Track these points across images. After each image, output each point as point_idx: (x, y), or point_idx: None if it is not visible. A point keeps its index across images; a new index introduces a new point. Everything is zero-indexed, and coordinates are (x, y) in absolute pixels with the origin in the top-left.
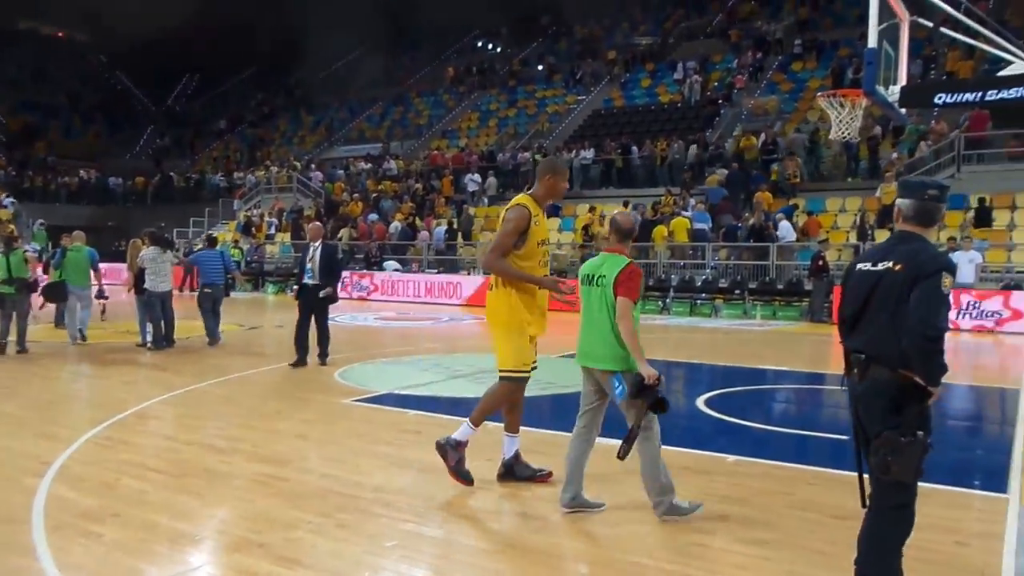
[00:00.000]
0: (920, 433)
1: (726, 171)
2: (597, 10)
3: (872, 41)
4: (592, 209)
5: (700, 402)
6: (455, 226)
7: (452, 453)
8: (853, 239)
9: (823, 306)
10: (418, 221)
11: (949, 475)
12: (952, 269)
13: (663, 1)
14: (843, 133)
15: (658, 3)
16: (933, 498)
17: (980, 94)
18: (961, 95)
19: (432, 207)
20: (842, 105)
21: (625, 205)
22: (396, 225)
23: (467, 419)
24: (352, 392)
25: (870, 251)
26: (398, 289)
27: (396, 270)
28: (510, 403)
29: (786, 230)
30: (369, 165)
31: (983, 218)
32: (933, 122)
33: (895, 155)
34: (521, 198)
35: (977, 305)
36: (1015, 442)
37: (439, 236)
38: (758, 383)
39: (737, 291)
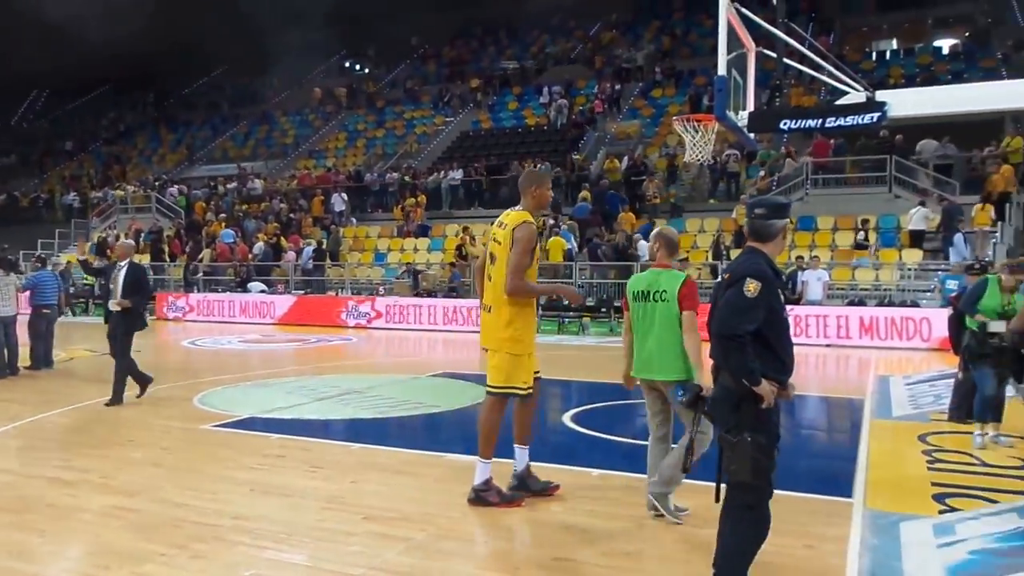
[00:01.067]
0: (748, 434)
1: (595, 188)
2: (464, 33)
3: (721, 69)
4: (465, 229)
5: (567, 418)
6: (324, 246)
7: (488, 494)
8: (711, 259)
9: None
10: (283, 242)
11: (800, 481)
12: (760, 276)
13: (529, 26)
14: (697, 156)
15: (524, 28)
16: (785, 504)
17: (821, 121)
18: (804, 121)
19: (299, 227)
20: (696, 129)
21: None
22: (260, 246)
23: (477, 458)
24: (212, 417)
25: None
26: (214, 309)
27: (262, 291)
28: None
29: (645, 249)
30: (234, 184)
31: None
32: (783, 148)
33: (762, 174)
34: (522, 214)
35: (822, 320)
36: (860, 449)
37: (306, 256)
38: (624, 398)
39: (603, 309)
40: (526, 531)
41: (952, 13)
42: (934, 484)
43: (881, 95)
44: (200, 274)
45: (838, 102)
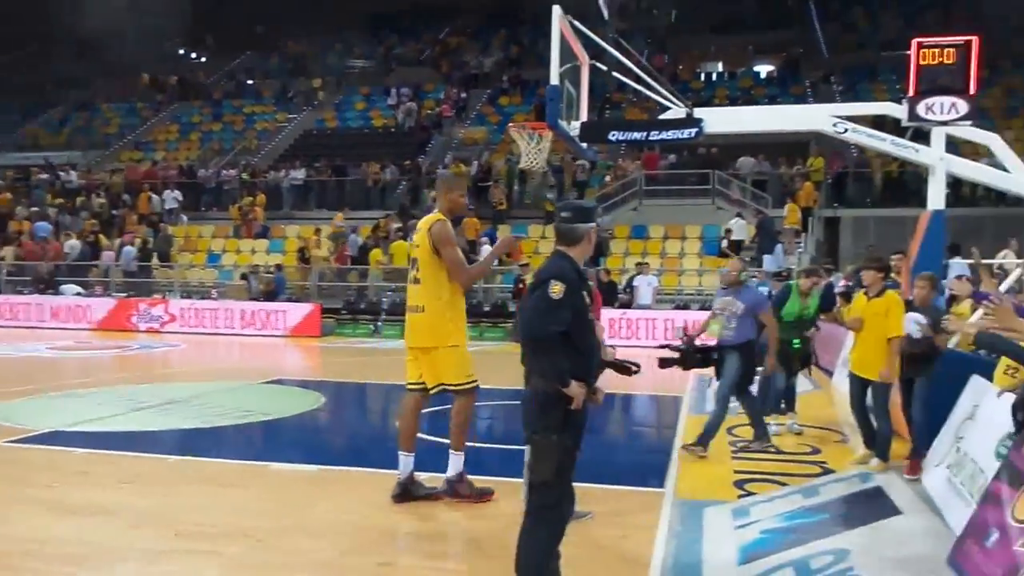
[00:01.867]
0: (555, 436)
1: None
2: (311, 28)
3: (554, 79)
4: (318, 231)
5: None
6: (150, 246)
7: (460, 487)
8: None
9: None
10: (103, 239)
11: (619, 475)
12: (564, 277)
13: (378, 26)
14: (532, 163)
15: (373, 28)
16: (603, 497)
17: (646, 133)
18: (631, 133)
19: (122, 225)
20: (531, 137)
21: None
22: (73, 243)
23: (450, 450)
24: (5, 433)
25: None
26: (19, 313)
27: (78, 294)
28: (410, 419)
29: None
30: (46, 176)
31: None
32: (620, 159)
33: (607, 178)
34: (435, 216)
35: (651, 323)
36: (675, 443)
37: (128, 256)
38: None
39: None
40: (352, 538)
41: (770, 41)
42: (736, 472)
43: (698, 112)
44: (3, 273)
45: (660, 117)
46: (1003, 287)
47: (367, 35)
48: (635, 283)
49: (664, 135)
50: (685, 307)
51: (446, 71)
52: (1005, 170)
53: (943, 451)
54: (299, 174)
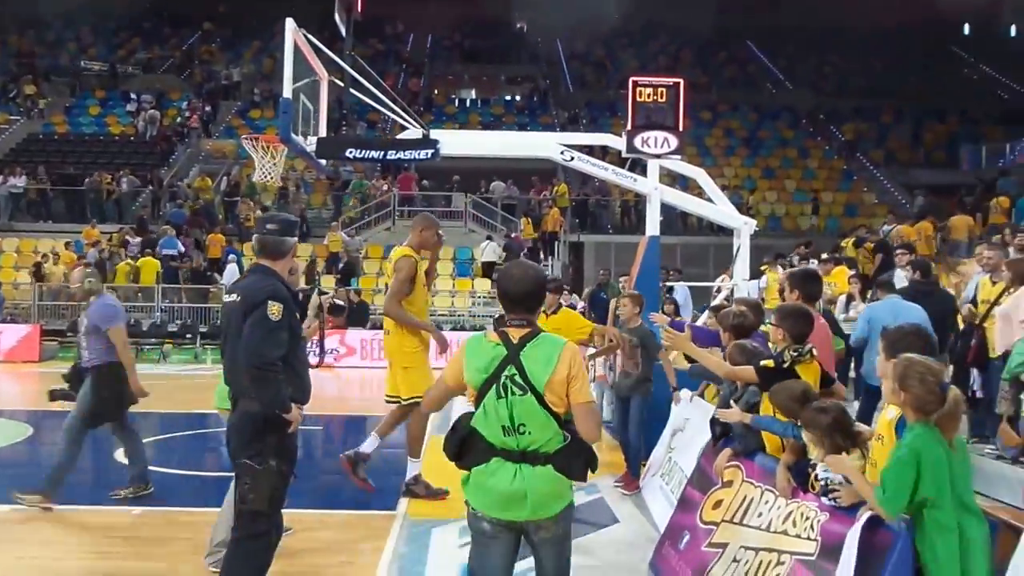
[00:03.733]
0: (272, 462)
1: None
2: (39, 23)
3: (287, 92)
4: (68, 244)
5: (121, 454)
6: None
7: (416, 487)
8: (303, 284)
9: None
10: None
11: (351, 501)
12: (280, 297)
13: (118, 27)
14: (266, 176)
15: (112, 28)
16: (326, 523)
17: (383, 152)
18: (368, 151)
19: None
20: (264, 149)
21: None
22: None
23: (409, 457)
24: None
25: (232, 284)
26: None
27: None
28: (393, 426)
29: (232, 273)
30: None
31: None
32: (375, 181)
33: (350, 201)
34: (403, 249)
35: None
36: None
37: None
38: (196, 428)
39: (188, 335)
40: None
41: (520, 72)
42: None
43: (434, 134)
44: None
45: (398, 137)
46: (713, 303)
47: (106, 36)
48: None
49: (401, 155)
50: (438, 327)
51: (198, 81)
52: (711, 201)
53: (659, 461)
54: (19, 181)
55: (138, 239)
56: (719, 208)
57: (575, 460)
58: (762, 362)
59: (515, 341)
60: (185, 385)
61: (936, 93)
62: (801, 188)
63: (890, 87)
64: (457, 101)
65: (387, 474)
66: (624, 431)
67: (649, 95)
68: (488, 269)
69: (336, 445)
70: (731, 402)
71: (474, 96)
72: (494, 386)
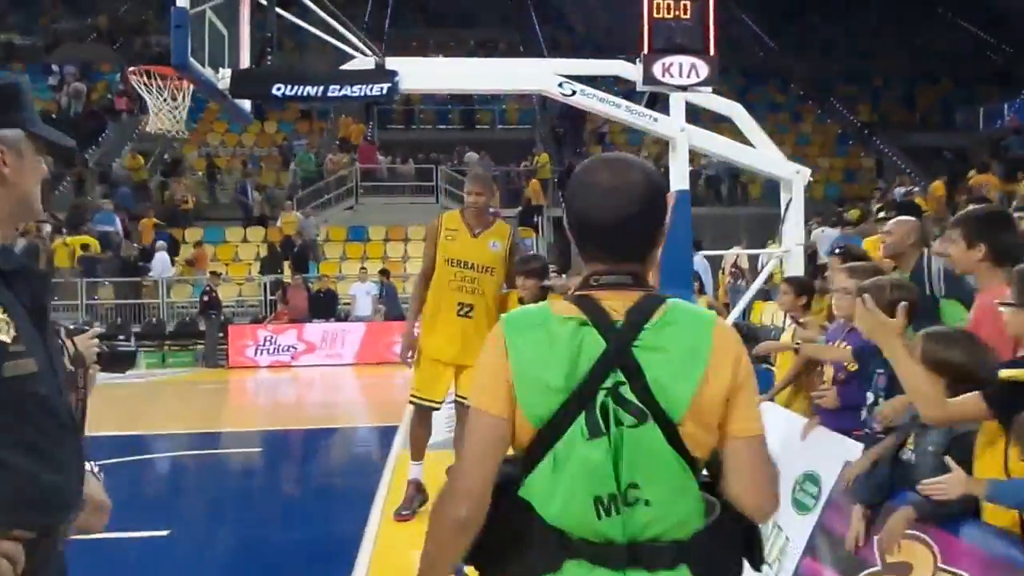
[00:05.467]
0: None
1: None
2: None
3: (181, 0)
4: None
5: None
6: None
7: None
8: (256, 271)
9: (216, 349)
10: None
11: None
12: None
13: None
14: (163, 125)
15: None
16: None
17: (323, 88)
18: (302, 88)
19: None
20: (160, 89)
21: None
22: None
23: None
24: None
25: None
26: None
27: None
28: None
29: (162, 263)
30: None
31: None
32: (330, 156)
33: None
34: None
35: (273, 340)
36: (373, 505)
37: None
38: (128, 454)
39: (121, 336)
40: None
41: (489, 37)
42: None
43: (391, 63)
44: None
45: (343, 67)
46: (756, 284)
47: (23, 3)
48: (352, 291)
49: (347, 90)
50: (400, 317)
51: (137, 50)
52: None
53: None
54: None
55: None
56: (762, 154)
57: (730, 561)
58: (1004, 372)
59: (620, 318)
60: (118, 396)
61: (926, 56)
62: (796, 154)
63: (878, 51)
64: None
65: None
66: None
67: (669, 8)
68: None
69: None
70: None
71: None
72: (582, 414)
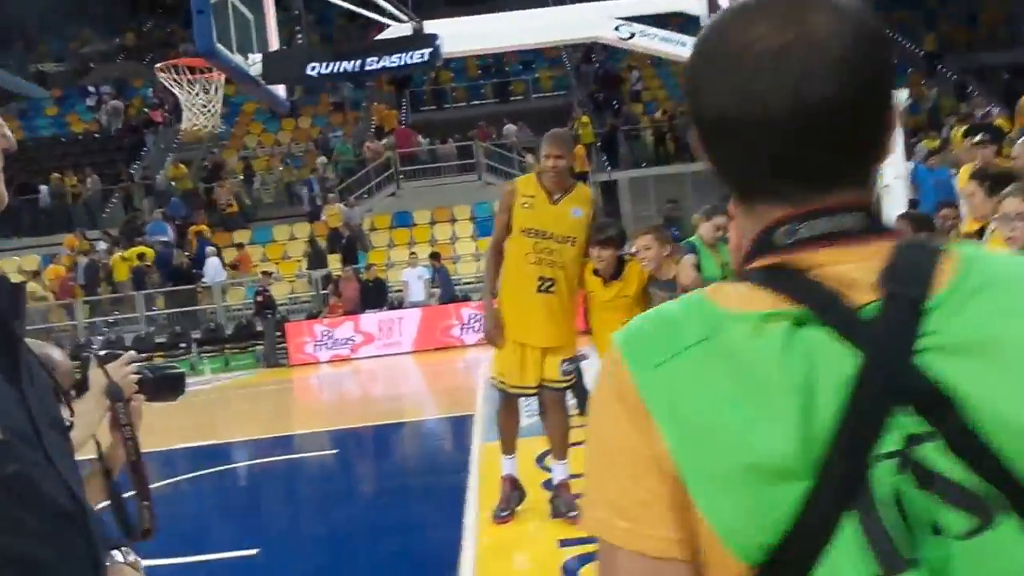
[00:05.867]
0: None
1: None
2: None
3: None
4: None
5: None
6: None
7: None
8: (306, 268)
9: (275, 348)
10: None
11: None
12: None
13: (66, 21)
14: (200, 122)
15: (60, 23)
16: None
17: (360, 62)
18: (338, 64)
19: None
20: (190, 85)
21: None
22: None
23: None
24: None
25: None
26: None
27: None
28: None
29: (214, 268)
30: None
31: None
32: (367, 144)
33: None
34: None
35: (331, 334)
36: (467, 500)
37: None
38: (205, 466)
39: (182, 344)
40: None
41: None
42: (562, 544)
43: (430, 26)
44: None
45: (378, 37)
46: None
47: (54, 33)
48: (404, 278)
49: (386, 62)
50: (466, 298)
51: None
52: None
53: None
54: None
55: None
56: None
57: None
58: None
59: (868, 297)
60: (187, 406)
61: None
62: None
63: None
64: None
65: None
66: None
67: None
68: None
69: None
70: None
71: None
72: (849, 520)
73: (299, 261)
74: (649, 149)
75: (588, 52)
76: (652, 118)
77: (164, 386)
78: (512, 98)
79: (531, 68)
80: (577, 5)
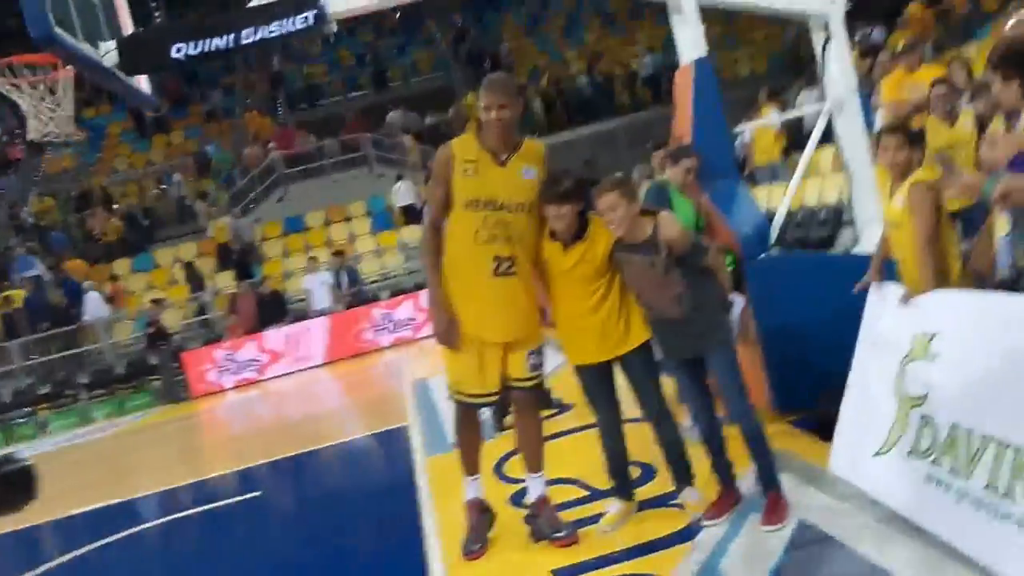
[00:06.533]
0: None
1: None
2: None
3: None
4: None
5: None
6: None
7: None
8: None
9: (173, 381)
10: None
11: None
12: None
13: None
14: (46, 128)
15: None
16: None
17: (234, 36)
18: (208, 42)
19: None
20: (31, 88)
21: None
22: None
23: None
24: None
25: None
26: None
27: None
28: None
29: (94, 303)
30: None
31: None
32: (245, 151)
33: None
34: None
35: (233, 358)
36: (424, 528)
37: None
38: (111, 531)
39: (68, 392)
40: None
41: None
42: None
43: None
44: None
45: (252, 3)
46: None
47: None
48: (306, 285)
49: (264, 32)
50: (374, 299)
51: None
52: None
53: (880, 429)
54: None
55: None
56: None
57: None
58: None
59: None
60: (81, 462)
61: None
62: None
63: None
64: (319, 40)
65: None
66: (706, 414)
67: None
68: (409, 213)
69: (322, 506)
70: None
71: (336, 28)
72: None
73: (184, 286)
74: (540, 117)
75: (461, 32)
76: (537, 86)
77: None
78: (391, 84)
79: (406, 52)
80: None
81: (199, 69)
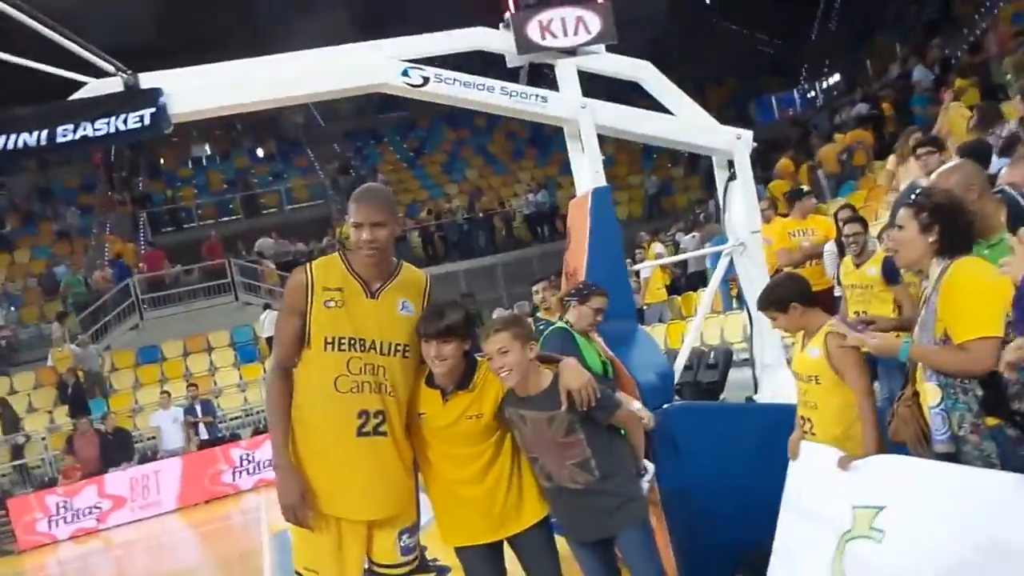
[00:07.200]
0: None
1: None
2: None
3: None
4: None
5: None
6: None
7: None
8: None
9: None
10: None
11: None
12: None
13: None
14: None
15: None
16: None
17: (48, 132)
18: (16, 137)
19: None
20: None
21: None
22: None
23: None
24: None
25: None
26: None
27: None
28: None
29: None
30: None
31: None
32: (97, 273)
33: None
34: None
35: (69, 505)
36: None
37: None
38: None
39: None
40: None
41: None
42: None
43: (149, 79)
44: None
45: (76, 95)
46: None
47: None
48: (156, 423)
49: (90, 130)
50: (234, 437)
51: None
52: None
53: None
54: None
55: None
56: (690, 120)
57: None
58: None
59: None
60: None
61: (702, 59)
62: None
63: (659, 60)
64: (190, 161)
65: None
66: None
67: None
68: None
69: None
70: None
71: (208, 152)
72: None
73: (21, 418)
74: (418, 251)
75: (345, 165)
76: (417, 219)
77: None
78: (264, 211)
79: (282, 178)
80: (351, 46)
81: (54, 187)
